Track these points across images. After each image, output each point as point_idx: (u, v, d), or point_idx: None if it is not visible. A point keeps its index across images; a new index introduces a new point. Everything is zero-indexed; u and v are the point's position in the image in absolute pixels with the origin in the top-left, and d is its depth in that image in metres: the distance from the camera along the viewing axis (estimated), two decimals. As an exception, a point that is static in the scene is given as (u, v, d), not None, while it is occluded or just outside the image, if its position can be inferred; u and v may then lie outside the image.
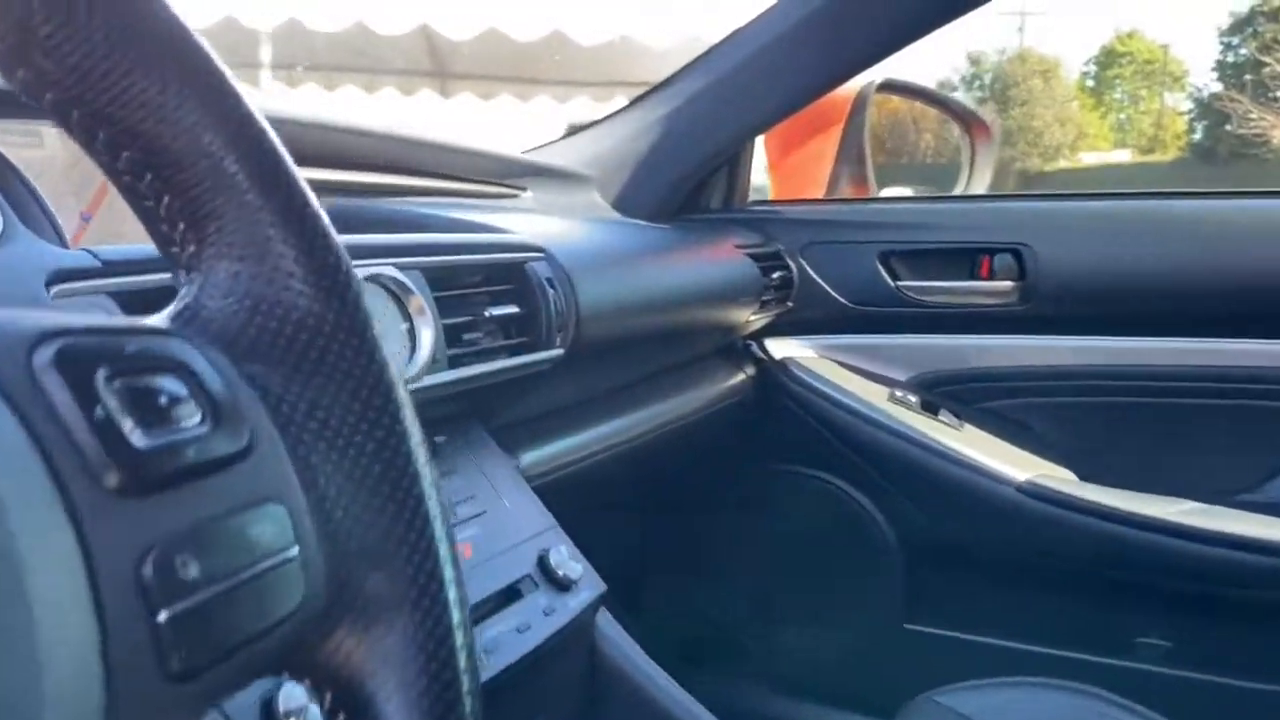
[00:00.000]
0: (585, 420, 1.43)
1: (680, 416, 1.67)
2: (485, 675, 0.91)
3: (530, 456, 1.31)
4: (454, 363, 1.03)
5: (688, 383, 1.73)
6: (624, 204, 1.95)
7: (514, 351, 1.13)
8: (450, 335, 1.05)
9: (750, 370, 1.92)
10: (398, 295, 0.98)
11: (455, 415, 1.14)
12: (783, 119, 2.02)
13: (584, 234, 1.50)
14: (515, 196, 1.80)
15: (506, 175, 1.78)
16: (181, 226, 0.49)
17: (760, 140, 2.21)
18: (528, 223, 1.41)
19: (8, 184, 0.73)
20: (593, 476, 1.42)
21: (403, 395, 0.45)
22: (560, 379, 1.26)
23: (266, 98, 1.28)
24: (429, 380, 0.98)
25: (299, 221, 0.49)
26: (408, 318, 0.99)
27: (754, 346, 1.96)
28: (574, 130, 2.06)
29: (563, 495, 1.37)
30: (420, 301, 0.98)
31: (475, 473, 1.11)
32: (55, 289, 0.69)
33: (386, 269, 0.96)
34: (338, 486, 0.40)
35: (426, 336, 0.98)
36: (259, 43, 9.31)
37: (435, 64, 11.09)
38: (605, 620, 1.13)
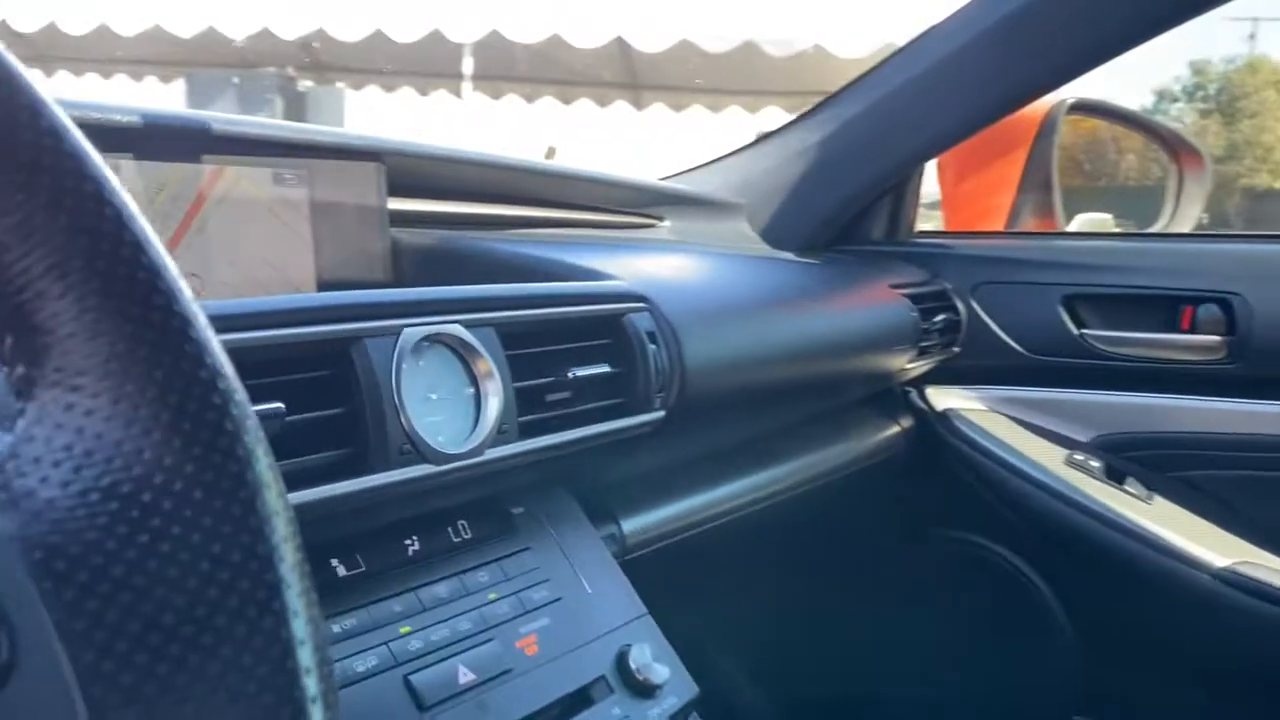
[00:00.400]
0: (696, 482, 1.29)
1: (817, 475, 1.50)
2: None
3: (629, 525, 1.18)
4: (528, 431, 0.91)
5: (828, 436, 1.56)
6: (774, 234, 1.80)
7: (605, 415, 1.01)
8: (528, 398, 0.94)
9: (905, 422, 1.73)
10: (463, 356, 0.87)
11: (538, 482, 1.02)
12: (958, 142, 1.82)
13: (710, 273, 1.36)
14: (651, 227, 1.68)
15: (644, 204, 1.66)
16: (9, 339, 0.39)
17: (932, 165, 2.01)
18: (647, 263, 1.29)
19: None
20: (703, 547, 1.28)
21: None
22: (666, 439, 1.13)
23: (414, 136, 1.22)
24: (492, 454, 0.86)
25: (163, 341, 0.38)
26: (474, 381, 0.87)
27: (913, 395, 1.77)
28: (756, 140, 1.92)
29: (666, 569, 1.24)
30: (488, 364, 0.87)
31: (553, 550, 0.99)
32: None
33: (451, 327, 0.85)
34: None
35: (493, 405, 0.87)
36: (462, 55, 9.62)
37: (629, 76, 11.18)
38: (696, 740, 0.99)
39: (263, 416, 0.69)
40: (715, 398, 1.16)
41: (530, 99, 11.66)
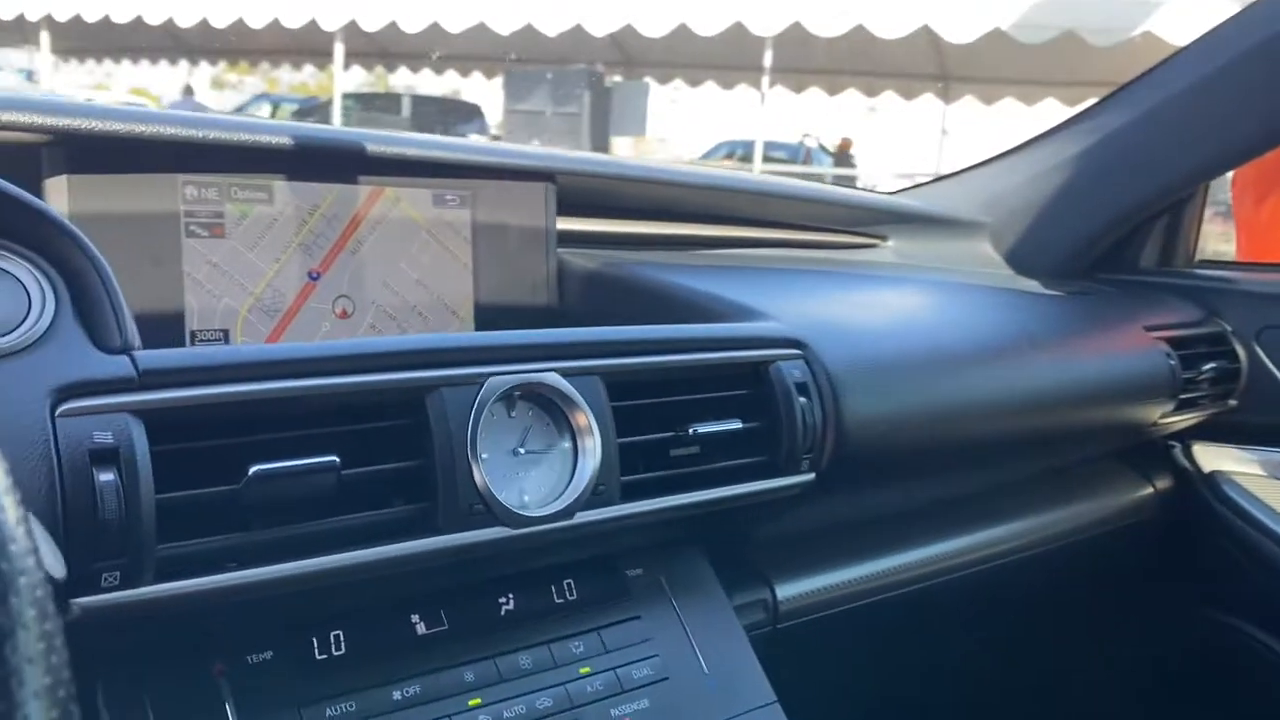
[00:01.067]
0: (874, 543, 1.15)
1: (1038, 541, 1.31)
2: None
3: (784, 589, 1.07)
4: (634, 492, 0.83)
5: (1054, 496, 1.36)
6: (1021, 258, 1.60)
7: (739, 476, 0.90)
8: (640, 455, 0.85)
9: (1162, 483, 1.48)
10: (560, 408, 0.80)
11: (666, 541, 0.93)
12: (1257, 155, 1.55)
13: (904, 308, 1.21)
14: (873, 247, 1.54)
15: (865, 223, 1.52)
16: None
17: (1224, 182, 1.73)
18: (826, 296, 1.15)
19: (78, 267, 0.66)
20: (877, 621, 1.14)
21: None
22: (826, 499, 1.01)
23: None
24: (585, 518, 0.79)
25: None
26: (572, 435, 0.80)
27: (1176, 451, 1.52)
28: (1006, 152, 1.73)
29: (826, 643, 1.11)
30: (586, 418, 0.79)
31: (668, 620, 0.90)
32: (64, 407, 0.60)
33: (545, 376, 0.78)
34: None
35: (589, 463, 0.79)
36: (764, 49, 9.56)
37: (937, 67, 10.68)
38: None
39: (314, 470, 0.66)
40: (887, 457, 1.02)
41: (833, 92, 11.45)
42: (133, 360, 0.64)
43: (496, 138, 12.01)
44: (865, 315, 1.11)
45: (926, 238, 1.56)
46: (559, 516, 0.77)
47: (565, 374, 0.79)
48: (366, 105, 13.37)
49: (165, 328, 0.92)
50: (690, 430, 0.86)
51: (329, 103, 11.95)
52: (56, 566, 0.49)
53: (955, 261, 1.55)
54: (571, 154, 1.19)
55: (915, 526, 1.20)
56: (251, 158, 0.96)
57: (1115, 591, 1.51)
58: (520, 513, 0.75)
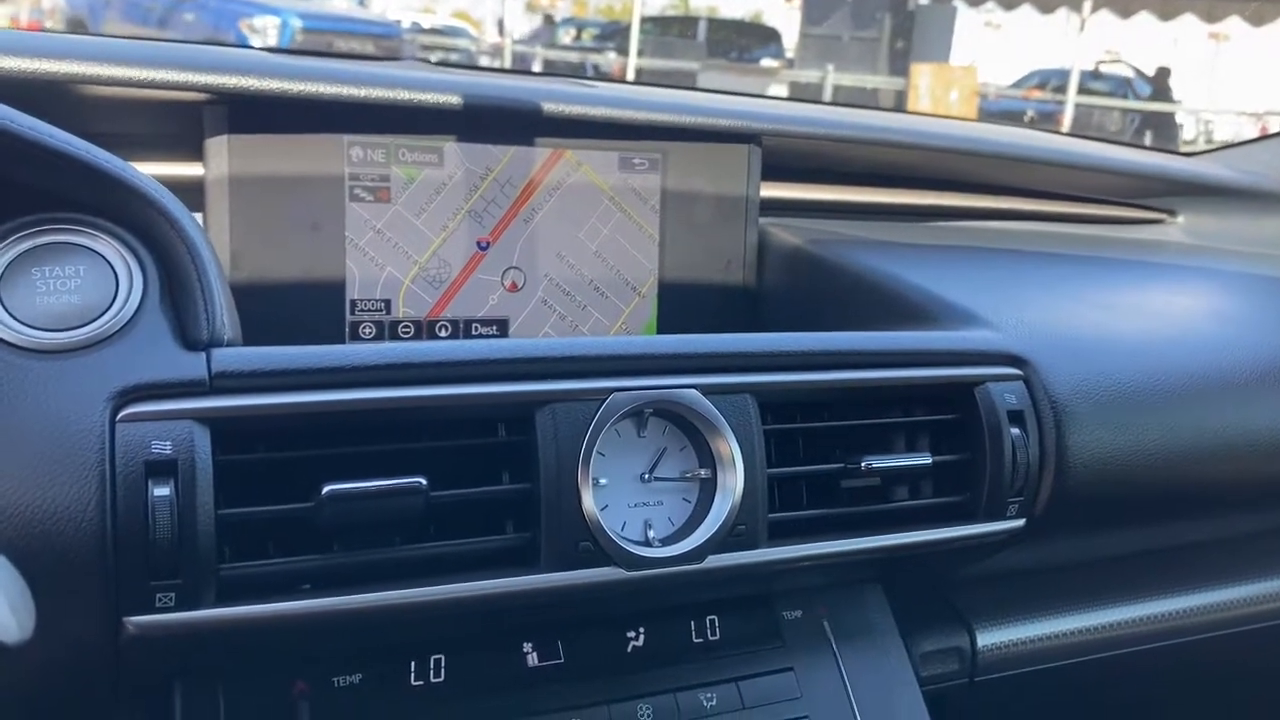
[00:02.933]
0: (1091, 590, 0.96)
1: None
2: None
3: (987, 637, 0.91)
4: (787, 530, 0.71)
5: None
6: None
7: (929, 517, 0.76)
8: (802, 487, 0.73)
9: None
10: (700, 431, 0.68)
11: (837, 582, 0.81)
12: None
13: (1174, 311, 0.99)
14: (1159, 223, 1.30)
15: (1151, 193, 1.28)
16: None
17: None
18: (1074, 294, 0.96)
19: (170, 243, 0.61)
20: (1098, 681, 0.95)
21: None
22: (1037, 545, 0.84)
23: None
24: (717, 562, 0.67)
25: None
26: (713, 462, 0.68)
27: None
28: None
29: (1027, 706, 0.94)
30: (728, 446, 0.67)
31: (827, 672, 0.77)
32: (125, 412, 0.56)
33: (683, 393, 0.67)
34: None
35: (728, 499, 0.67)
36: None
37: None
38: None
39: (396, 492, 0.58)
40: (1118, 502, 0.83)
41: (1166, 17, 10.28)
42: (209, 357, 0.59)
43: (790, 63, 11.70)
44: (1112, 321, 0.91)
45: (1229, 213, 1.30)
46: (685, 559, 0.66)
47: (708, 391, 0.68)
48: (663, 29, 13.42)
49: (325, 297, 0.88)
50: (863, 464, 0.72)
51: (629, 26, 12.07)
52: (10, 627, 0.44)
53: (1264, 246, 1.28)
54: (778, 109, 1.05)
55: (1157, 571, 0.99)
56: (422, 117, 0.89)
57: None
58: (636, 553, 0.65)
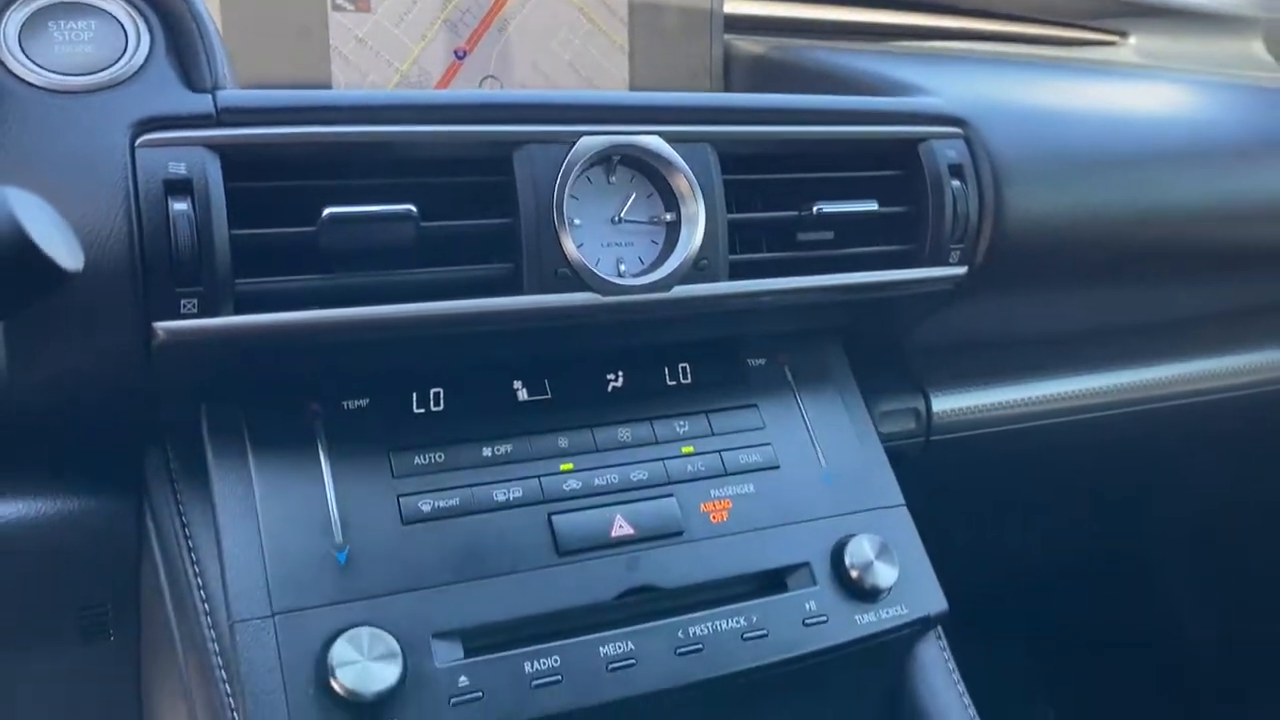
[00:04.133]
0: (1035, 364, 1.03)
1: (1222, 386, 1.14)
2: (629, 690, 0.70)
3: (941, 402, 0.99)
4: (746, 270, 0.78)
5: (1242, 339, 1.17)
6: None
7: (876, 262, 0.83)
8: (766, 234, 0.80)
9: None
10: (663, 176, 0.75)
11: (802, 332, 0.88)
12: None
13: (1109, 98, 1.05)
14: (1110, 44, 1.35)
15: (1101, 14, 1.34)
16: None
17: None
18: (1015, 81, 1.02)
19: (174, 7, 0.67)
20: (1043, 449, 1.03)
21: None
22: (990, 302, 0.92)
23: None
24: (683, 292, 0.75)
25: None
26: (675, 207, 0.76)
27: None
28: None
29: (975, 467, 1.03)
30: (688, 185, 0.74)
31: (789, 411, 0.85)
32: (143, 139, 0.62)
33: (646, 139, 0.74)
34: None
35: (692, 235, 0.75)
36: None
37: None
38: (931, 654, 0.82)
39: (390, 217, 0.66)
40: (1053, 260, 0.91)
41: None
42: (214, 98, 0.65)
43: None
44: (1048, 98, 0.97)
45: (1179, 34, 1.36)
46: (654, 288, 0.74)
47: (671, 139, 0.75)
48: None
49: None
50: (815, 209, 0.79)
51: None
52: (68, 258, 0.51)
53: (1212, 63, 1.34)
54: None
55: (1095, 350, 1.07)
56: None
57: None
58: (610, 279, 0.73)
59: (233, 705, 0.65)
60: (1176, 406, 1.11)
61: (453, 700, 0.66)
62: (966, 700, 0.81)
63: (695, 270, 0.75)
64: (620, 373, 0.81)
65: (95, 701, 0.80)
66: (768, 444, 0.83)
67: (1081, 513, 1.28)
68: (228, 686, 0.65)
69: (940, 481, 0.92)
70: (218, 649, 0.67)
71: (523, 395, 0.78)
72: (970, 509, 1.06)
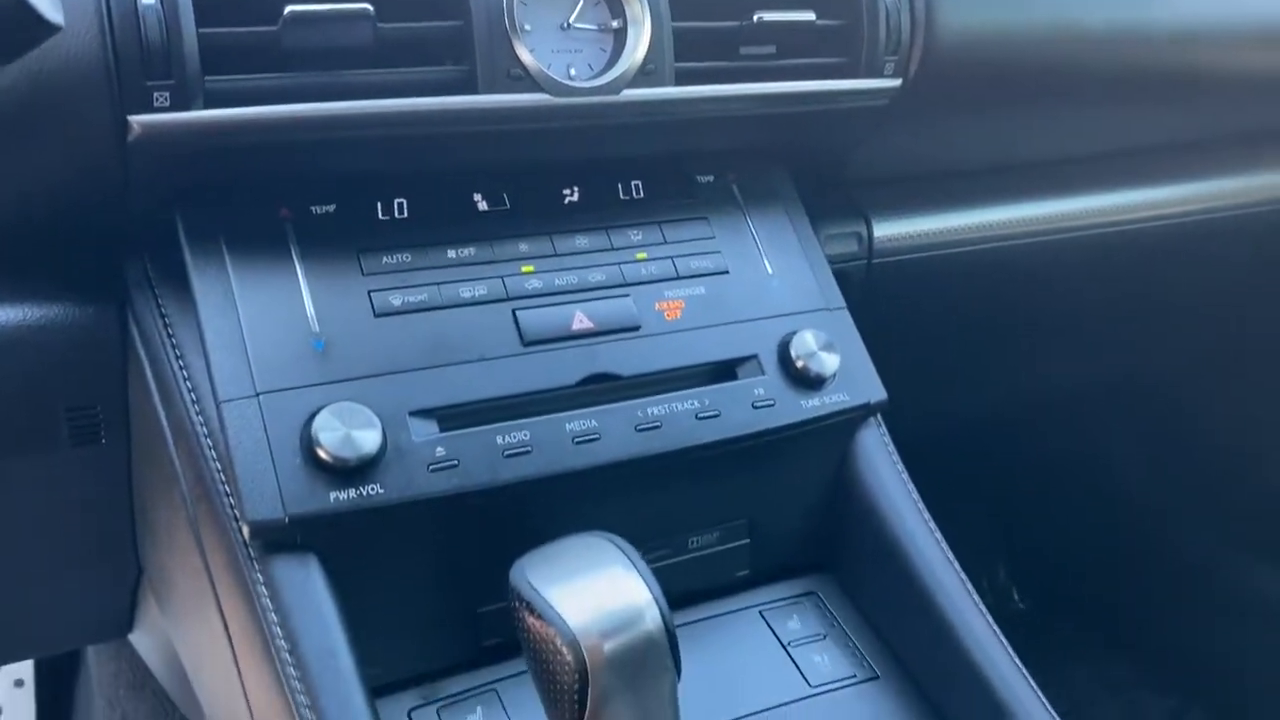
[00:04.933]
0: (969, 195, 1.09)
1: (1189, 210, 1.21)
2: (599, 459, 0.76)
3: (882, 228, 1.05)
4: (691, 77, 0.82)
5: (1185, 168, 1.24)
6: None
7: (815, 73, 0.87)
8: (711, 45, 0.84)
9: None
10: (610, -20, 0.79)
11: (746, 153, 0.93)
12: None
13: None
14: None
15: None
16: None
17: None
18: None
19: None
20: (975, 273, 1.10)
21: None
22: (929, 123, 0.97)
23: None
24: (632, 95, 0.79)
25: None
26: (622, 14, 0.80)
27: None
28: None
29: (917, 291, 1.09)
30: (635, -6, 0.78)
31: (737, 224, 0.90)
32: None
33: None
34: None
35: (637, 42, 0.79)
36: None
37: None
38: (873, 440, 0.88)
39: (348, 16, 0.69)
40: (987, 77, 0.96)
41: None
42: None
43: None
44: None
45: None
46: (603, 90, 0.78)
47: None
48: None
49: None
50: (755, 17, 0.84)
51: None
52: (51, 11, 0.55)
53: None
54: None
55: (1028, 181, 1.13)
56: None
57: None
58: (562, 80, 0.77)
59: (223, 480, 0.69)
60: (1118, 233, 1.17)
61: (431, 467, 0.71)
62: (910, 485, 0.87)
63: (642, 75, 0.79)
64: (575, 187, 0.86)
65: (88, 503, 0.85)
66: (718, 252, 0.88)
67: (1023, 347, 1.35)
68: (217, 465, 0.70)
69: (884, 316, 0.96)
70: (205, 431, 0.71)
71: (483, 206, 0.82)
72: (912, 345, 1.12)
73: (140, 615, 1.02)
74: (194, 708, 1.05)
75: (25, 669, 1.47)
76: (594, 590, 0.61)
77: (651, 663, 0.61)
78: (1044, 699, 0.77)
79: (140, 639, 1.08)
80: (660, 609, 0.61)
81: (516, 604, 0.62)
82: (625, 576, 0.62)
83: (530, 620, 0.61)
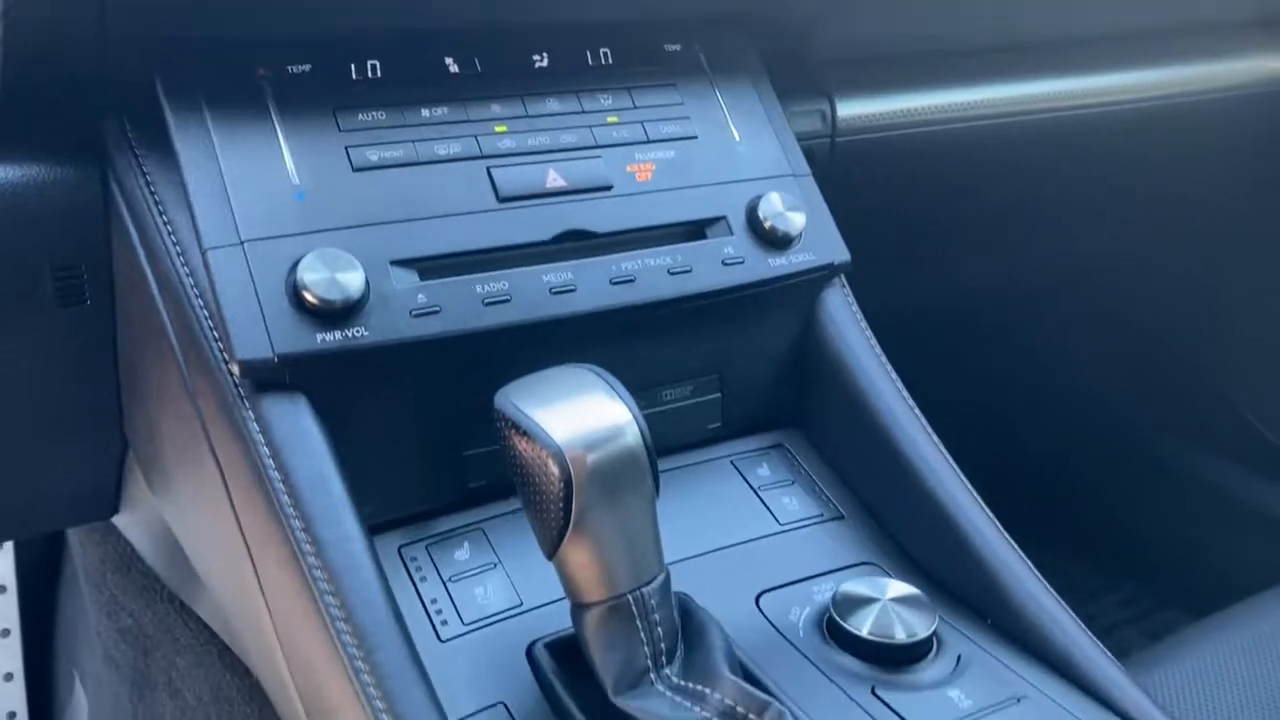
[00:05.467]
0: (932, 77, 1.12)
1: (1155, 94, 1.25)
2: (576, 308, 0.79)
3: (846, 108, 1.07)
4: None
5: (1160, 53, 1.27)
6: None
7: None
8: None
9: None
10: None
11: (710, 22, 0.95)
12: None
13: None
14: None
15: None
16: None
17: None
18: None
19: None
20: (934, 156, 1.13)
21: None
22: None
23: None
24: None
25: None
26: None
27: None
28: None
29: (882, 171, 1.12)
30: None
31: (705, 92, 0.92)
32: None
33: None
34: None
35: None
36: None
37: None
38: (837, 300, 0.91)
39: None
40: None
41: None
42: None
43: None
44: None
45: None
46: None
47: None
48: None
49: None
50: None
51: None
52: None
53: None
54: None
55: (993, 64, 1.16)
56: None
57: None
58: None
59: (211, 326, 0.72)
60: (1081, 117, 1.21)
61: (413, 313, 0.73)
62: (873, 341, 0.91)
63: None
64: (545, 53, 0.87)
65: (73, 372, 0.86)
66: (686, 118, 0.90)
67: (988, 234, 1.39)
68: (205, 311, 0.72)
69: (848, 198, 0.99)
70: (192, 282, 0.73)
71: (454, 69, 0.84)
72: (876, 229, 1.15)
73: (127, 497, 1.04)
74: (184, 584, 1.08)
75: (5, 572, 1.48)
76: (577, 410, 0.64)
77: (632, 475, 0.64)
78: (1001, 529, 0.81)
79: (126, 522, 1.10)
80: (640, 427, 0.64)
81: (503, 426, 0.65)
82: (607, 399, 0.65)
83: (517, 440, 0.64)
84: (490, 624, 0.73)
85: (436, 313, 0.74)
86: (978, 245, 1.42)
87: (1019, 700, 0.70)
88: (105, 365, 0.87)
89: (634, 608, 0.64)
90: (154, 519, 0.99)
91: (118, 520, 1.11)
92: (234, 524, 0.73)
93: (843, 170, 1.08)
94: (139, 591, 1.11)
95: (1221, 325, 1.71)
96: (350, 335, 0.71)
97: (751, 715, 0.61)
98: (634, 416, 0.64)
